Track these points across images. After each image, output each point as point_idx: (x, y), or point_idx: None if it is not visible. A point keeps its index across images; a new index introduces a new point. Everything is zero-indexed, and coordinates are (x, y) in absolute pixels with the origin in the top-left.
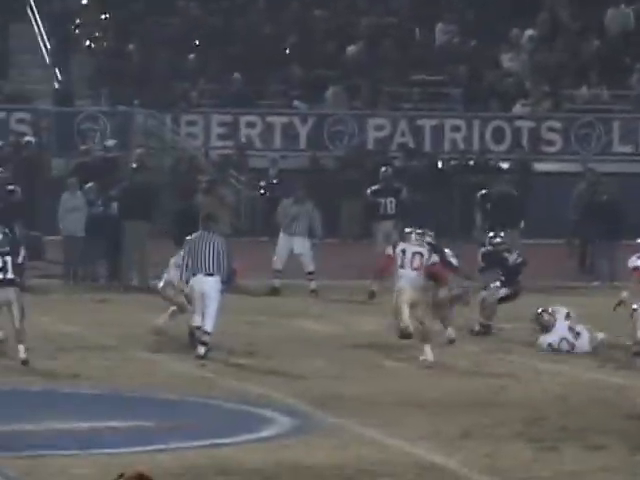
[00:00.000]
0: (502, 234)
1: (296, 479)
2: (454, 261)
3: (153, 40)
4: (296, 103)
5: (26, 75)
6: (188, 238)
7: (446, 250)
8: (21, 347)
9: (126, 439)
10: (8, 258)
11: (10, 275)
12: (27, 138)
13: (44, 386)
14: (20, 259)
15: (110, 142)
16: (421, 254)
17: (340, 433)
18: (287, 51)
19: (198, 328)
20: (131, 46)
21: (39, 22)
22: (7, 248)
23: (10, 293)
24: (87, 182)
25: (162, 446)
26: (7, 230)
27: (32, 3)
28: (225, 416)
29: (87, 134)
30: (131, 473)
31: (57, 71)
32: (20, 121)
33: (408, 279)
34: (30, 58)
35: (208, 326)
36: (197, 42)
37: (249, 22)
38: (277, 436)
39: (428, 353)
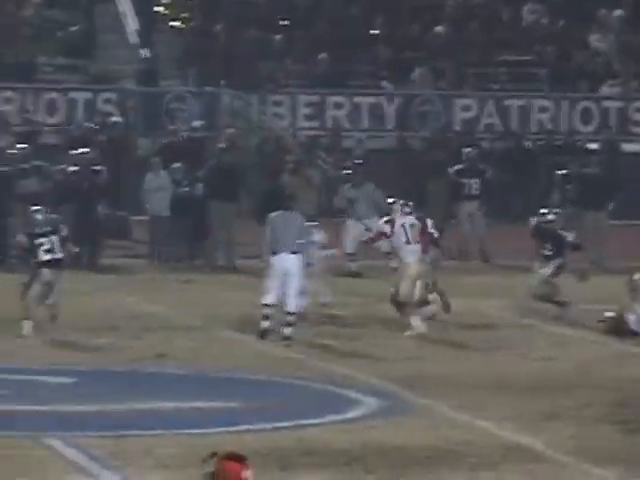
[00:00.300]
0: (556, 211)
1: (382, 460)
2: (435, 233)
3: (240, 20)
4: (383, 84)
5: (112, 55)
6: (270, 216)
7: (429, 221)
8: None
9: (211, 419)
10: (53, 237)
11: (58, 255)
12: (114, 118)
13: (129, 366)
14: (64, 233)
15: (197, 123)
16: (416, 225)
17: (427, 414)
18: (374, 32)
19: (266, 305)
20: (218, 26)
21: (125, 2)
22: (49, 228)
23: (55, 275)
24: (173, 162)
25: (247, 427)
26: (47, 210)
27: None
28: (311, 397)
29: (174, 114)
30: (224, 453)
31: (143, 51)
32: (107, 101)
33: (414, 253)
34: (116, 38)
35: (291, 306)
36: (284, 22)
37: (336, 2)
38: (363, 417)
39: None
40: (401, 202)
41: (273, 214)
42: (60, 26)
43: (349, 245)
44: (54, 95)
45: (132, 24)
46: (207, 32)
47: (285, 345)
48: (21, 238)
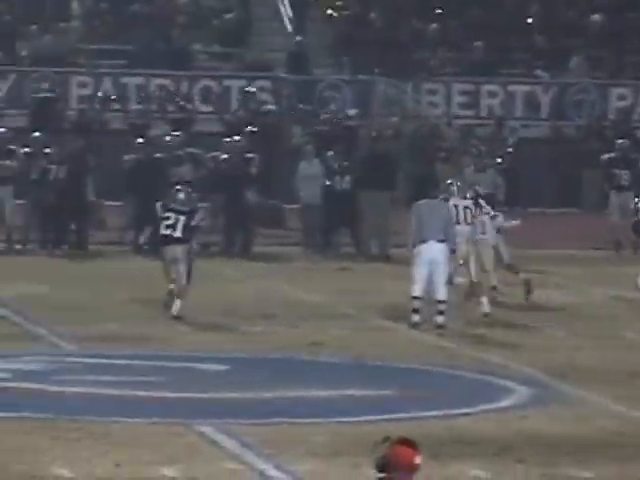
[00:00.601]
0: None
1: (534, 450)
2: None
3: (395, 8)
4: (538, 72)
5: (267, 43)
6: (415, 205)
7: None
8: (178, 302)
9: (364, 407)
10: (182, 217)
11: (178, 234)
12: (267, 106)
13: (284, 354)
14: (195, 222)
15: (351, 111)
16: (470, 208)
17: (580, 404)
18: (529, 20)
19: (415, 298)
20: (373, 14)
21: None
22: (186, 208)
23: (177, 251)
24: (327, 151)
25: (400, 415)
26: (190, 190)
27: None
28: (463, 386)
29: (328, 102)
30: (396, 438)
31: (297, 39)
32: (261, 89)
33: (463, 234)
34: (271, 26)
35: (441, 294)
36: (439, 10)
37: None
38: (515, 406)
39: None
40: (458, 184)
41: (419, 202)
42: (215, 14)
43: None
44: (209, 83)
45: (287, 12)
46: (361, 20)
47: (438, 334)
48: (158, 208)
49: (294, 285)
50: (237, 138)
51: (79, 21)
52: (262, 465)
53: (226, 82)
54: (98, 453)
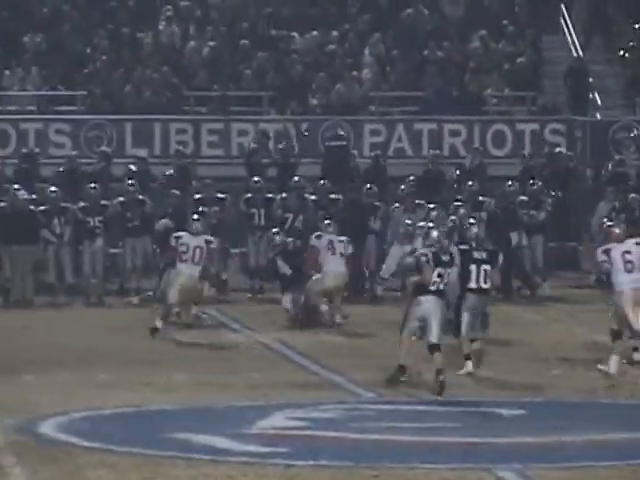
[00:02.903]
0: None
1: None
2: None
3: None
4: None
5: (559, 86)
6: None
7: None
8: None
9: None
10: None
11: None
12: (559, 149)
13: (582, 397)
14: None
15: None
16: None
17: None
18: None
19: None
20: None
21: (572, 31)
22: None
23: None
24: (624, 192)
25: None
26: None
27: (565, 13)
28: None
29: (622, 144)
30: None
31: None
32: (554, 132)
33: None
34: (562, 69)
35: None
36: None
37: None
38: None
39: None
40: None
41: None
42: (507, 58)
43: None
44: (501, 127)
45: (578, 54)
46: None
47: None
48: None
49: (589, 328)
50: (531, 182)
51: (370, 69)
52: None
53: (519, 126)
54: None
